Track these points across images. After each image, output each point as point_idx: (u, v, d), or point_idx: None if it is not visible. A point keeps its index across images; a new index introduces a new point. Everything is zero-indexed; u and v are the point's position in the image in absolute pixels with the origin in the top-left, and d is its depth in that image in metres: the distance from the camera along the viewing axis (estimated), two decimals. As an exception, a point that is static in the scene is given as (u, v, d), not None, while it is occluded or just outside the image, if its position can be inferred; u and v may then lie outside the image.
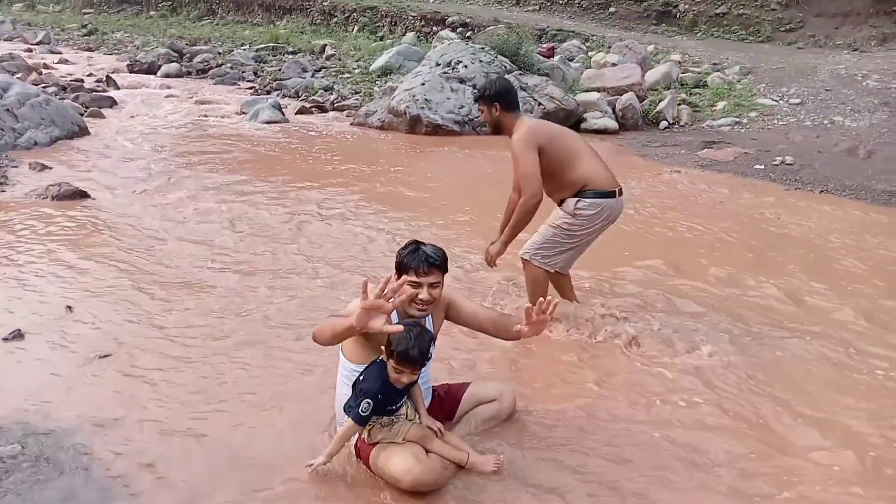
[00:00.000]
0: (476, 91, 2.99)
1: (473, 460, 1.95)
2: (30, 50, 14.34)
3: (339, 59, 12.37)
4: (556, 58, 9.67)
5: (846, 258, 4.00)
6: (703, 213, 4.88)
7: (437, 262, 1.91)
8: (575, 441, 2.14)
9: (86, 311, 2.92)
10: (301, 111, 8.63)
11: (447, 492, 1.88)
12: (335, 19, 15.99)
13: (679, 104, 8.34)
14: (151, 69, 11.83)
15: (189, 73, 11.82)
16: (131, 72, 11.80)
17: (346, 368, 1.97)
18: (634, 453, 2.09)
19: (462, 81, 7.89)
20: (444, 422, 2.08)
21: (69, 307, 2.95)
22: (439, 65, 8.19)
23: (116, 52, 14.94)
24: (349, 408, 1.87)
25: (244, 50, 13.69)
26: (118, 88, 9.75)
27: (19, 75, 9.21)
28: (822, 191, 5.59)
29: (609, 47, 10.81)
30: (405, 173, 5.75)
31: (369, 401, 1.81)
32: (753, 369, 2.62)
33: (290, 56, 13.01)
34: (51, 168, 5.35)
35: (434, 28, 13.66)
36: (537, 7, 15.04)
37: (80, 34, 17.88)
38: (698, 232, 4.42)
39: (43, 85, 8.74)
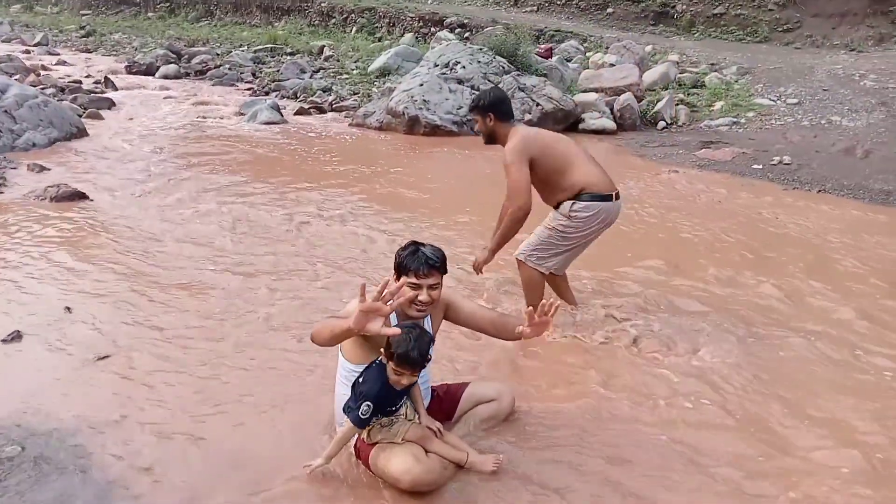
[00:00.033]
0: (470, 101, 3.00)
1: (473, 460, 1.95)
2: (28, 51, 14.34)
3: (338, 60, 12.37)
4: (554, 58, 9.69)
5: (845, 258, 4.01)
6: (702, 212, 4.88)
7: (437, 264, 1.91)
8: (575, 441, 2.14)
9: (84, 313, 2.92)
10: (299, 112, 8.63)
11: (446, 492, 1.88)
12: (333, 20, 16.00)
13: (677, 104, 8.36)
14: (150, 70, 11.83)
15: (187, 75, 11.81)
16: (130, 73, 11.80)
17: (346, 369, 1.97)
18: (636, 453, 2.09)
19: (460, 82, 7.90)
20: (444, 422, 2.08)
21: (68, 308, 2.95)
22: (437, 65, 8.20)
23: (115, 53, 14.93)
24: (349, 409, 1.87)
25: (242, 51, 13.69)
26: (116, 90, 9.75)
27: (17, 77, 9.20)
28: (819, 190, 5.61)
29: (607, 48, 10.83)
30: (404, 174, 5.76)
31: (369, 403, 1.81)
32: (756, 369, 2.62)
33: (289, 57, 13.02)
34: (49, 169, 5.35)
35: (432, 29, 13.68)
36: (535, 8, 15.06)
37: (79, 35, 17.87)
38: (697, 232, 4.43)
39: (41, 86, 8.73)
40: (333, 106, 9.03)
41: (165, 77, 11.43)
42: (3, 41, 16.40)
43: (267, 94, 10.03)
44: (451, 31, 13.15)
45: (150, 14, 20.63)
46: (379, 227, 4.26)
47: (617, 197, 2.82)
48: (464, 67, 8.05)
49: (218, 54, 13.54)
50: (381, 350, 1.84)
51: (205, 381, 2.42)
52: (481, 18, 13.51)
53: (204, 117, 8.08)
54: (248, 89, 10.52)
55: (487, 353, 2.68)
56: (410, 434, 1.90)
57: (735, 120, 7.92)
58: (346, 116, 8.49)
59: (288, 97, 9.76)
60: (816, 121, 7.64)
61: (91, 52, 15.23)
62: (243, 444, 2.08)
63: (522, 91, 7.94)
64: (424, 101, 7.62)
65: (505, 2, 15.65)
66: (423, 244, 1.95)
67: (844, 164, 6.20)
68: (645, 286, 3.41)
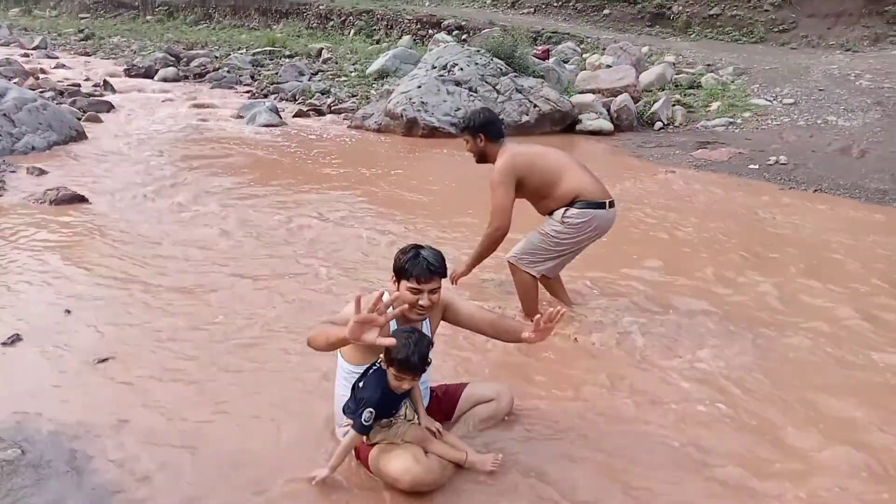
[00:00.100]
0: (460, 122, 3.06)
1: (472, 459, 1.96)
2: (27, 55, 14.34)
3: (336, 63, 12.40)
4: (552, 60, 9.72)
5: (842, 257, 4.03)
6: (699, 213, 4.90)
7: (439, 270, 1.92)
8: (575, 440, 2.15)
9: (84, 316, 2.92)
10: (298, 114, 8.65)
11: (446, 492, 1.89)
12: (331, 23, 16.02)
13: (673, 105, 8.39)
14: (148, 73, 11.84)
15: (186, 78, 11.82)
16: (128, 76, 11.81)
17: (345, 370, 1.98)
18: (636, 453, 2.10)
19: (458, 84, 7.92)
20: (443, 422, 2.09)
21: (68, 311, 2.96)
22: (435, 67, 8.22)
23: (113, 56, 14.94)
24: (350, 412, 1.88)
25: (241, 54, 13.70)
26: (115, 93, 9.76)
27: (16, 80, 9.21)
28: (816, 190, 5.64)
29: (604, 49, 10.86)
30: (404, 176, 5.77)
31: (372, 410, 1.81)
32: (758, 368, 2.63)
33: (287, 60, 13.04)
34: (48, 173, 5.35)
35: (430, 31, 13.70)
36: (532, 10, 15.10)
37: (77, 39, 17.87)
38: (694, 232, 4.45)
39: (40, 90, 8.74)
40: (332, 108, 9.04)
41: (164, 80, 11.44)
42: (1, 45, 16.39)
43: (266, 96, 10.04)
44: (449, 33, 13.18)
45: (148, 17, 20.64)
46: (379, 228, 4.27)
47: (611, 205, 2.85)
48: (461, 69, 8.07)
49: (216, 57, 13.55)
50: (381, 354, 1.85)
51: (204, 382, 2.43)
52: (479, 20, 13.54)
53: (203, 120, 8.09)
54: (247, 92, 10.53)
55: (487, 354, 2.69)
56: (410, 435, 1.91)
57: (731, 120, 7.95)
58: (344, 118, 8.51)
59: (286, 99, 9.77)
60: (812, 121, 7.67)
61: (90, 56, 15.24)
62: (243, 444, 2.09)
63: (520, 92, 7.97)
64: (422, 102, 7.64)
65: (502, 4, 15.69)
66: (423, 247, 1.94)
67: (840, 164, 6.23)
68: (643, 286, 3.43)
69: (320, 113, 8.86)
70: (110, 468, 1.95)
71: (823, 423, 2.28)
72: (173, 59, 12.93)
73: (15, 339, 2.68)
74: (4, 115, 6.18)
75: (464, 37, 12.69)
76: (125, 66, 12.50)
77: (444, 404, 2.18)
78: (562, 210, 2.80)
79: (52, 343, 2.68)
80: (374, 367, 1.88)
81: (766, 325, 3.05)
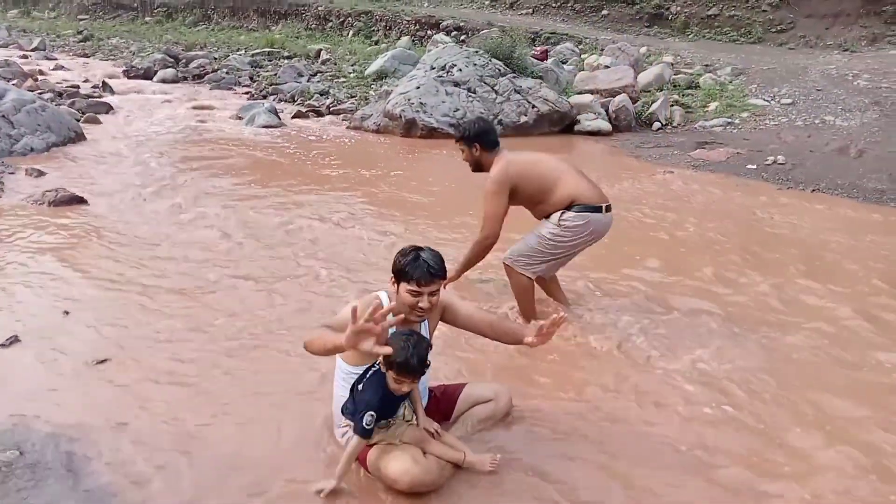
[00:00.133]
0: (455, 132, 3.07)
1: (470, 460, 1.96)
2: (25, 56, 14.32)
3: (335, 64, 12.40)
4: (550, 60, 9.73)
5: (841, 257, 4.04)
6: (697, 213, 4.91)
7: (439, 273, 1.91)
8: (576, 441, 2.15)
9: (82, 317, 2.92)
10: (297, 115, 8.65)
11: (445, 492, 1.89)
12: (330, 24, 16.03)
13: (672, 105, 8.40)
14: (147, 75, 11.83)
15: (185, 79, 11.82)
16: (127, 77, 11.80)
17: (344, 371, 1.99)
18: (638, 453, 2.10)
19: (457, 85, 7.93)
20: (441, 422, 2.09)
21: (66, 313, 2.95)
22: (434, 68, 8.22)
23: (112, 58, 14.93)
24: (349, 414, 1.88)
25: (240, 55, 13.70)
26: (114, 94, 9.75)
27: (15, 81, 9.21)
28: (814, 190, 5.64)
29: (602, 50, 10.87)
30: (403, 176, 5.78)
31: (372, 413, 1.82)
32: (759, 368, 2.63)
33: (286, 61, 13.03)
34: (47, 174, 5.35)
35: (428, 32, 13.71)
36: (531, 10, 15.11)
37: (76, 40, 17.86)
38: (693, 232, 4.45)
39: (39, 91, 8.74)
40: (331, 109, 9.04)
41: (163, 81, 11.44)
42: (0, 46, 16.38)
43: (265, 97, 10.04)
44: (448, 33, 13.19)
45: (147, 18, 20.63)
46: (379, 229, 4.27)
47: (608, 209, 2.86)
48: (460, 70, 8.08)
49: (215, 58, 13.55)
50: (380, 357, 1.85)
51: (203, 384, 2.43)
52: (477, 21, 13.56)
53: (202, 121, 8.08)
54: (246, 93, 10.53)
55: (486, 354, 2.69)
56: (408, 436, 1.91)
57: (729, 120, 7.97)
58: (343, 119, 8.51)
59: (285, 100, 9.77)
60: (810, 121, 7.68)
61: (88, 57, 15.22)
62: (242, 446, 2.08)
63: (518, 93, 7.97)
64: (421, 103, 7.65)
65: (501, 4, 15.70)
66: (423, 249, 1.94)
67: (838, 164, 6.24)
68: (642, 286, 3.43)
69: (319, 114, 8.87)
70: (108, 470, 1.95)
71: (828, 425, 2.28)
72: (172, 60, 12.92)
73: (13, 340, 2.68)
74: (3, 116, 6.18)
75: (462, 38, 12.69)
76: (124, 68, 12.49)
77: (443, 404, 2.18)
78: (559, 213, 2.81)
79: (49, 345, 2.67)
80: (374, 369, 1.88)
81: (767, 325, 3.05)
